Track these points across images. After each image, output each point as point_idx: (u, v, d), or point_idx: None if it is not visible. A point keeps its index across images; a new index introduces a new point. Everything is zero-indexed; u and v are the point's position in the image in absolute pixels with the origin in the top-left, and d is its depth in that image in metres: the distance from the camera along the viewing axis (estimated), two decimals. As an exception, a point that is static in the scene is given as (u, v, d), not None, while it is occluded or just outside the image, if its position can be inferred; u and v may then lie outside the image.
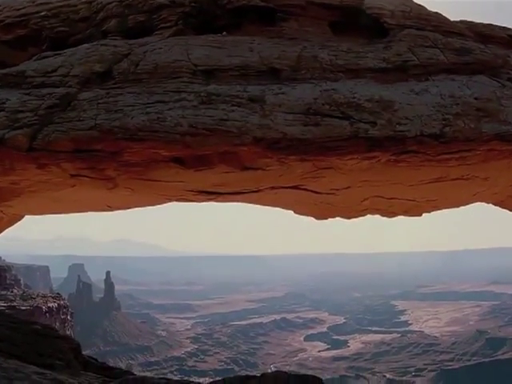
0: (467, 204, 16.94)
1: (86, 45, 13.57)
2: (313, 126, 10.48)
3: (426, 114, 10.98)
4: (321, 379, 12.19)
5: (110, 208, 16.38)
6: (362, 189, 13.63)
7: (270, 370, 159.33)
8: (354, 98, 10.91)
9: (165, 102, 11.05)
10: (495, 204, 16.99)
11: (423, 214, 17.38)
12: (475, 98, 11.67)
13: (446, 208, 17.03)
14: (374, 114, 10.75)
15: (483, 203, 17.06)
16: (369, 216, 17.43)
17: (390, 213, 16.68)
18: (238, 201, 15.22)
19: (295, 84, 11.32)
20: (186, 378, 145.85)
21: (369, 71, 11.98)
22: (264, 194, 13.77)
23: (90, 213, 18.20)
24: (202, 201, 14.64)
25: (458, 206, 17.14)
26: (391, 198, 15.03)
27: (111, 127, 10.87)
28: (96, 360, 14.13)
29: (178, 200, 14.88)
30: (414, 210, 16.40)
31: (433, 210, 17.00)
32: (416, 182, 13.28)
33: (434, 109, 11.13)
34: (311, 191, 13.57)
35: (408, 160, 11.33)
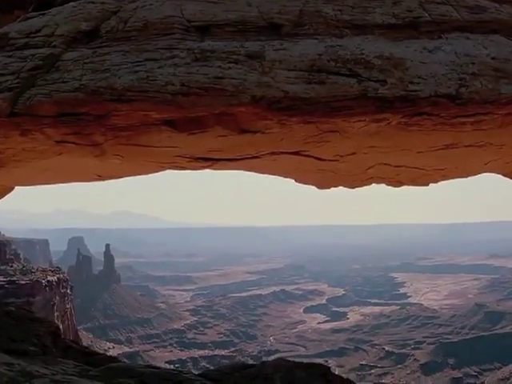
0: (477, 174, 16.15)
1: (72, 3, 12.66)
2: (317, 84, 9.54)
3: (441, 73, 10.03)
4: (329, 367, 11.17)
5: (101, 177, 15.64)
6: (367, 155, 12.77)
7: (269, 342, 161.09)
8: (362, 54, 9.96)
9: (155, 59, 10.15)
10: (505, 175, 16.16)
11: (430, 184, 16.64)
12: (492, 58, 10.72)
13: (454, 178, 16.22)
14: (383, 71, 9.81)
15: (493, 174, 16.25)
16: (370, 186, 16.73)
17: (395, 182, 15.89)
18: (235, 168, 14.33)
19: (297, 40, 10.37)
20: (185, 351, 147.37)
21: (377, 27, 11.00)
22: (263, 161, 12.90)
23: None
24: (198, 168, 13.84)
25: (467, 176, 16.31)
26: (398, 166, 14.21)
27: (97, 88, 10.02)
28: (78, 344, 13.26)
29: (171, 167, 14.09)
30: (422, 179, 15.61)
31: (441, 180, 16.21)
32: (426, 149, 12.43)
33: (448, 68, 10.17)
34: (314, 157, 12.71)
35: (420, 123, 10.44)
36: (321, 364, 11.72)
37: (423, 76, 9.95)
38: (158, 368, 10.76)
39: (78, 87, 10.16)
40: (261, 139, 11.03)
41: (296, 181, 16.19)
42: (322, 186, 16.47)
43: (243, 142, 11.29)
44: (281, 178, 16.19)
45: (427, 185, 16.55)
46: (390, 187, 16.80)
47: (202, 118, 10.18)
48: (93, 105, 10.19)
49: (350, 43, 10.30)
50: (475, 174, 16.16)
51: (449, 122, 10.50)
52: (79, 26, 11.56)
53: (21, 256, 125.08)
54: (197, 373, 10.91)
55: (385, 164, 13.92)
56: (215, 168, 13.86)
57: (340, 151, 12.48)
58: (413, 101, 9.77)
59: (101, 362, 11.21)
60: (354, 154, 12.63)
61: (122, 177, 15.97)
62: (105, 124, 10.64)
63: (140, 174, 15.79)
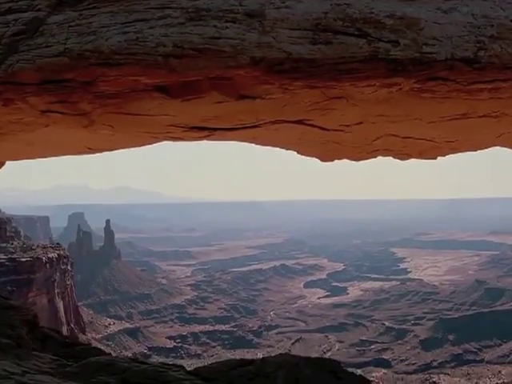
0: (488, 147, 15.34)
1: (58, -38, 11.83)
2: (323, 45, 8.68)
3: (457, 35, 9.18)
4: (339, 362, 10.22)
5: (91, 150, 14.91)
6: (375, 125, 11.98)
7: (269, 317, 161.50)
8: (372, 13, 9.06)
9: (146, 20, 9.32)
10: (516, 149, 15.43)
11: (438, 158, 15.86)
12: (511, 20, 9.93)
13: (464, 151, 15.45)
14: (395, 32, 8.95)
15: (503, 148, 15.46)
16: (371, 161, 16.08)
17: (403, 154, 15.11)
18: (234, 139, 13.57)
19: (300, -3, 9.54)
20: (186, 326, 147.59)
21: (386, -13, 10.18)
22: (264, 130, 12.12)
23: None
24: (194, 139, 13.07)
25: (476, 150, 15.55)
26: (406, 138, 13.42)
27: (82, 51, 9.25)
28: (58, 333, 12.38)
29: (165, 138, 13.32)
30: (430, 151, 14.83)
31: (450, 153, 15.43)
32: (438, 119, 11.63)
33: (465, 29, 9.32)
34: (318, 127, 11.90)
35: (434, 89, 9.60)
36: (330, 359, 10.71)
37: (438, 37, 9.11)
38: (145, 363, 9.79)
39: (63, 51, 9.43)
40: (261, 106, 10.24)
41: (298, 153, 15.45)
42: (325, 158, 15.69)
43: (242, 108, 10.51)
44: (282, 151, 15.51)
45: (435, 158, 15.80)
46: (391, 161, 16.04)
47: (197, 83, 9.40)
48: (78, 70, 9.46)
49: (357, 1, 9.39)
50: (486, 148, 15.40)
51: (465, 88, 9.67)
52: (66, -13, 10.75)
53: (21, 233, 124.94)
54: (192, 365, 10.13)
55: (393, 135, 13.15)
56: (213, 138, 13.11)
57: (346, 120, 11.69)
58: (428, 64, 8.93)
59: (82, 353, 10.32)
60: (360, 123, 11.85)
61: (114, 149, 15.25)
62: (92, 91, 9.92)
63: (133, 146, 15.05)
